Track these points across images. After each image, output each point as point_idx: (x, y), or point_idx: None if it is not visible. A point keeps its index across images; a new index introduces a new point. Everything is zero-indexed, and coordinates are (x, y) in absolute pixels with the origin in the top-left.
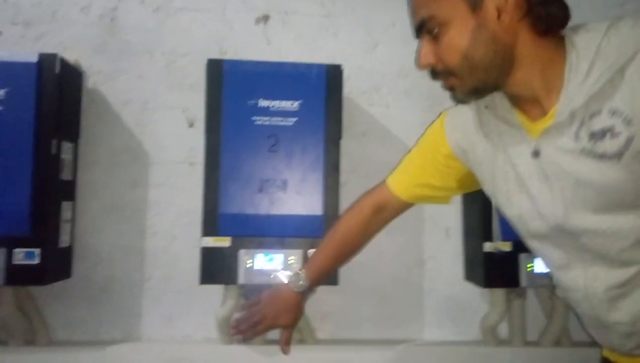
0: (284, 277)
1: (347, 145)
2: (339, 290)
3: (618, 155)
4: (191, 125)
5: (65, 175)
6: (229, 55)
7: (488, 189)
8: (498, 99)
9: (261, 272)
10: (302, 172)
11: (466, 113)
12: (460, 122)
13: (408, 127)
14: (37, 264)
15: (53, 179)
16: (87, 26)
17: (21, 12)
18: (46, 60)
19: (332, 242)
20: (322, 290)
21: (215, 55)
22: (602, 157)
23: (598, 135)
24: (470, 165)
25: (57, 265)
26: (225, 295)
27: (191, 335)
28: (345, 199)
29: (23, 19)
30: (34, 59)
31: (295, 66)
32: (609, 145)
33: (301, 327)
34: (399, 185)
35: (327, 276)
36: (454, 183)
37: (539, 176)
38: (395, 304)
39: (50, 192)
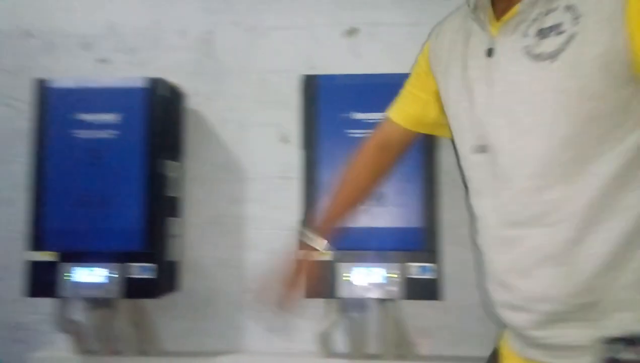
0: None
1: (442, 155)
2: (441, 306)
3: (552, 56)
4: (284, 140)
5: (172, 193)
6: (317, 71)
7: (444, 102)
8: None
9: (360, 286)
10: (399, 184)
11: (453, 19)
12: (443, 30)
13: None
14: (152, 278)
15: (162, 197)
16: (186, 50)
17: (126, 40)
18: (154, 85)
19: (342, 189)
20: (424, 305)
21: (305, 71)
22: (537, 57)
23: (545, 33)
24: (436, 76)
25: (168, 278)
26: (326, 309)
27: (291, 348)
28: (446, 211)
29: (128, 47)
30: (142, 84)
31: (389, 77)
32: (548, 44)
33: (401, 342)
34: (396, 112)
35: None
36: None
37: (486, 79)
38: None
39: (160, 209)
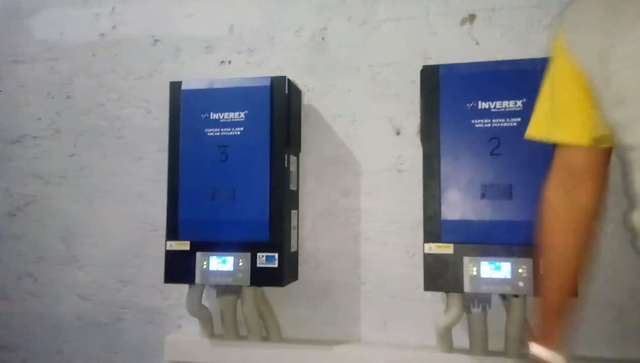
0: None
1: None
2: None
3: None
4: (398, 133)
5: (292, 186)
6: (432, 61)
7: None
8: None
9: (487, 281)
10: (528, 176)
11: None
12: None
13: None
14: (276, 267)
15: (285, 190)
16: (301, 47)
17: (245, 41)
18: (277, 83)
19: (567, 284)
20: None
21: (418, 62)
22: None
23: None
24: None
25: (290, 268)
26: (448, 303)
27: (407, 340)
28: None
29: (247, 48)
30: (267, 83)
31: (514, 63)
32: None
33: (526, 339)
34: (584, 132)
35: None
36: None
37: None
38: (635, 320)
39: (284, 202)
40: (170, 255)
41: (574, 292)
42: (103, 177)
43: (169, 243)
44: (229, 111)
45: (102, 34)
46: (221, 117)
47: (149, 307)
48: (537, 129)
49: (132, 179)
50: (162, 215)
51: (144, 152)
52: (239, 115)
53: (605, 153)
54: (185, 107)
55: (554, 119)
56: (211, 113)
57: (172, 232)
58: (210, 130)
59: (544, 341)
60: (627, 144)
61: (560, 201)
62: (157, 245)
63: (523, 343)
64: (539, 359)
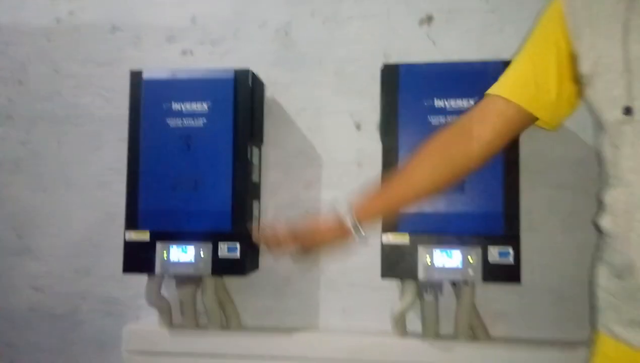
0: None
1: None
2: (516, 290)
3: None
4: (359, 128)
5: (255, 178)
6: (393, 59)
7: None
8: None
9: (440, 269)
10: (481, 171)
11: None
12: None
13: None
14: (238, 257)
15: (247, 181)
16: (265, 41)
17: (208, 32)
18: (241, 76)
19: (406, 180)
20: (500, 289)
21: (381, 60)
22: None
23: None
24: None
25: (251, 258)
26: (403, 290)
27: (365, 327)
28: (525, 198)
29: (210, 39)
30: (230, 75)
31: (468, 65)
32: None
33: (475, 324)
34: (510, 88)
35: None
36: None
37: None
38: (572, 305)
39: (246, 193)
40: (130, 245)
41: (409, 196)
42: (60, 166)
43: (128, 232)
44: (192, 102)
45: (58, 19)
46: (183, 107)
47: (107, 297)
48: (500, 88)
49: (91, 168)
50: (122, 204)
51: (103, 140)
52: (202, 106)
53: (526, 117)
54: (147, 97)
55: (505, 80)
56: (173, 103)
57: (132, 222)
58: (172, 120)
59: (354, 209)
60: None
61: (456, 131)
62: (116, 235)
63: (473, 328)
64: (344, 223)
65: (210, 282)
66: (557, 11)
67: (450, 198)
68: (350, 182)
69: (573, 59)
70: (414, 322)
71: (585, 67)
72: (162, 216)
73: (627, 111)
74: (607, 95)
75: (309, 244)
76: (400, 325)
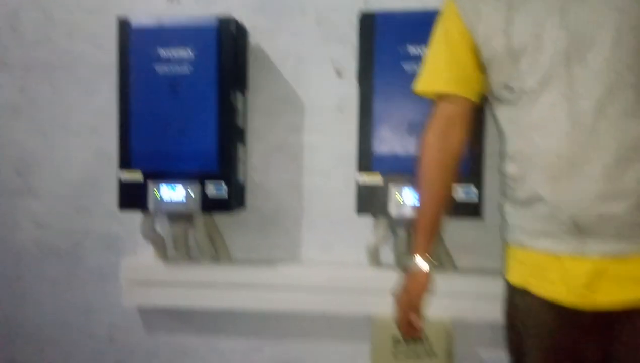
0: (414, 263)
1: None
2: (481, 225)
3: None
4: (339, 74)
5: (240, 122)
6: (373, 7)
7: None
8: None
9: (409, 206)
10: None
11: None
12: None
13: None
14: (224, 195)
15: (232, 125)
16: None
17: None
18: (224, 24)
19: (428, 210)
20: (465, 224)
21: (361, 8)
22: None
23: None
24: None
25: (238, 197)
26: (376, 226)
27: (344, 259)
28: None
29: None
30: (214, 23)
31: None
32: None
33: (442, 256)
34: (450, 84)
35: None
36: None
37: None
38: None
39: (231, 136)
40: (124, 184)
41: (440, 215)
42: (56, 111)
43: (121, 172)
44: (178, 49)
45: None
46: (170, 54)
47: (105, 233)
48: (424, 84)
49: (84, 112)
50: (115, 147)
51: (95, 86)
52: (187, 53)
53: (473, 107)
54: (134, 44)
55: (438, 73)
56: (160, 50)
57: (125, 162)
58: (159, 66)
59: (416, 252)
60: (521, 88)
61: (436, 143)
62: (111, 175)
63: (441, 260)
64: (412, 266)
65: (200, 219)
66: (452, 10)
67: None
68: (332, 127)
69: (477, 47)
70: (387, 255)
71: (484, 55)
72: (153, 157)
73: (506, 88)
74: (496, 78)
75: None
76: (374, 257)
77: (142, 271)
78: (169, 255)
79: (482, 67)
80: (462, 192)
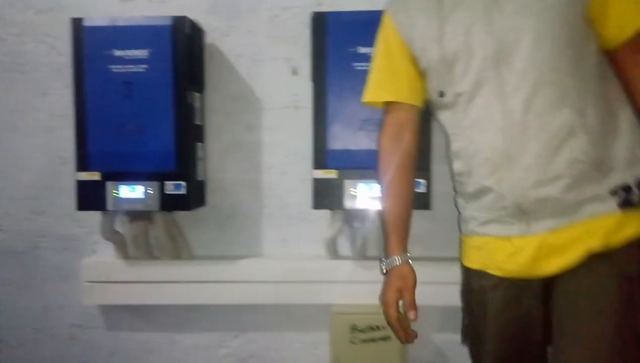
0: (388, 266)
1: None
2: (430, 216)
3: None
4: (294, 73)
5: (197, 121)
6: (325, 7)
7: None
8: None
9: (362, 199)
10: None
11: None
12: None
13: None
14: (184, 194)
15: (189, 124)
16: None
17: None
18: (178, 23)
19: (394, 212)
20: (415, 215)
21: (314, 8)
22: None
23: None
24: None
25: (197, 195)
26: (332, 219)
27: (302, 253)
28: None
29: None
30: (168, 22)
31: None
32: None
33: None
34: (394, 93)
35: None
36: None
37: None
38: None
39: (189, 135)
40: (82, 185)
41: (405, 213)
42: (8, 113)
43: (79, 174)
44: (132, 49)
45: None
46: (125, 54)
47: (64, 234)
48: (371, 95)
49: (39, 114)
50: (71, 149)
51: (49, 87)
52: (142, 52)
53: (419, 111)
54: (88, 44)
55: (383, 84)
56: (114, 50)
57: (82, 164)
58: (115, 66)
59: (392, 253)
60: (457, 92)
61: (391, 147)
62: (68, 177)
63: None
64: (392, 266)
65: (160, 218)
66: (389, 25)
67: (372, 136)
68: (289, 125)
69: (415, 57)
70: (344, 246)
71: (421, 65)
72: (111, 158)
73: (441, 95)
74: (433, 85)
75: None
76: (331, 249)
77: (103, 270)
78: (130, 254)
79: (422, 74)
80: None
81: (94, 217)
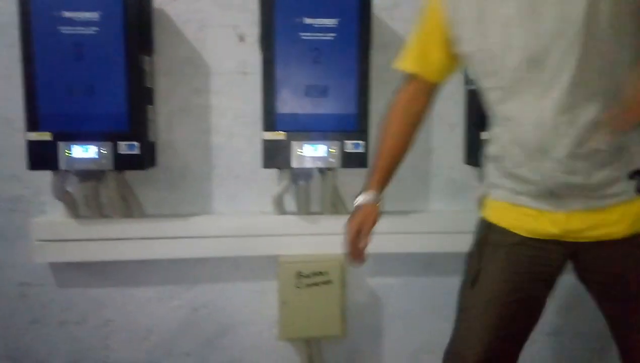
0: (361, 200)
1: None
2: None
3: None
4: (242, 40)
5: (147, 84)
6: None
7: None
8: None
9: (308, 159)
10: (339, 79)
11: None
12: None
13: None
14: (137, 154)
15: (141, 86)
16: None
17: None
18: None
19: (385, 156)
20: (355, 173)
21: None
22: None
23: None
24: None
25: (149, 155)
26: (280, 178)
27: (251, 209)
28: (374, 101)
29: None
30: None
31: None
32: None
33: (336, 202)
34: (419, 65)
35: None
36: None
37: None
38: (410, 185)
39: (140, 97)
40: (33, 145)
41: (394, 163)
42: None
43: (29, 134)
44: (82, 11)
45: None
46: (74, 16)
47: (11, 195)
48: (400, 63)
49: None
50: (16, 109)
51: None
52: (93, 15)
53: (435, 85)
54: (36, 5)
55: (412, 55)
56: (64, 12)
57: (32, 124)
58: (64, 28)
59: (369, 189)
60: (493, 86)
61: (401, 107)
62: (14, 137)
63: (335, 206)
64: (364, 200)
65: (112, 177)
66: (436, 6)
67: (316, 102)
68: (236, 90)
69: (453, 40)
70: (290, 203)
71: (465, 49)
72: (62, 118)
73: (479, 82)
74: (471, 69)
75: (368, 230)
76: (278, 206)
77: (54, 229)
78: (80, 213)
79: (455, 56)
80: (351, 146)
81: (41, 178)
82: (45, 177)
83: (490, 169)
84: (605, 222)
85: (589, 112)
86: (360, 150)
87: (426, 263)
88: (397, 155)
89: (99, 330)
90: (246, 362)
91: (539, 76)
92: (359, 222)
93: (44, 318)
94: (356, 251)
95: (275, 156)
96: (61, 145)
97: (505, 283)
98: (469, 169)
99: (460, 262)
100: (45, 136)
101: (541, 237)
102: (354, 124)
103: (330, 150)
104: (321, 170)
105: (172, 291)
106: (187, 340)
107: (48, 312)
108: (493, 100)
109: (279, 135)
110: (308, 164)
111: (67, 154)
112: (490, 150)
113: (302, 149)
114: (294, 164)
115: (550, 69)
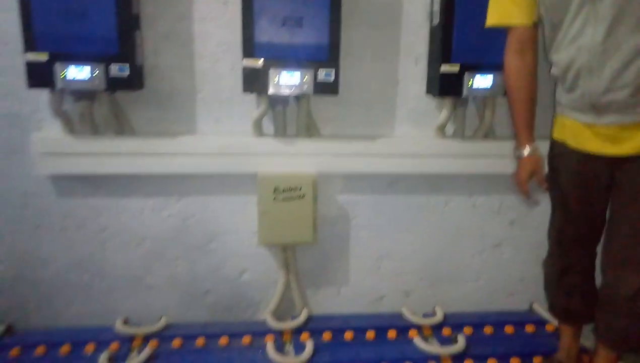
0: (524, 153)
1: None
2: (338, 101)
3: None
4: None
5: (135, 10)
6: None
7: None
8: None
9: (284, 85)
10: (313, 11)
11: None
12: None
13: None
14: (127, 75)
15: (129, 12)
16: None
17: None
18: None
19: (528, 115)
20: (327, 100)
21: None
22: None
23: None
24: None
25: (138, 77)
26: (258, 103)
27: (233, 131)
28: (345, 32)
29: None
30: None
31: None
32: None
33: (310, 126)
34: (518, 15)
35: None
36: None
37: None
38: (377, 112)
39: (129, 21)
40: (31, 65)
41: (530, 112)
42: None
43: (27, 54)
44: None
45: None
46: None
47: (8, 112)
48: (498, 18)
49: None
50: (12, 30)
51: None
52: None
53: (535, 29)
54: None
55: (506, 10)
56: None
57: (30, 44)
58: None
59: (522, 144)
60: (562, 19)
61: (515, 63)
62: (10, 57)
63: (309, 129)
64: (524, 154)
65: (104, 97)
66: None
67: (291, 32)
68: (218, 17)
69: None
70: (268, 126)
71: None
72: (57, 39)
73: (551, 19)
74: (548, 12)
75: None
76: (257, 128)
77: (52, 144)
78: (75, 130)
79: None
80: (323, 75)
81: (38, 96)
82: (41, 96)
83: (558, 89)
84: (633, 133)
85: (634, 40)
86: (331, 78)
87: (390, 183)
88: (528, 105)
89: (97, 236)
90: (230, 265)
91: (597, 6)
92: (530, 171)
93: (46, 224)
94: (528, 191)
95: (254, 82)
96: (58, 65)
97: (574, 183)
98: (430, 98)
99: (421, 182)
100: (42, 56)
101: (586, 150)
102: (326, 54)
103: (304, 78)
104: (296, 97)
105: (163, 203)
106: (178, 246)
107: (49, 219)
108: (557, 31)
109: (257, 63)
110: (284, 91)
111: (62, 75)
112: (553, 71)
113: (278, 76)
114: (271, 90)
115: (606, 1)
